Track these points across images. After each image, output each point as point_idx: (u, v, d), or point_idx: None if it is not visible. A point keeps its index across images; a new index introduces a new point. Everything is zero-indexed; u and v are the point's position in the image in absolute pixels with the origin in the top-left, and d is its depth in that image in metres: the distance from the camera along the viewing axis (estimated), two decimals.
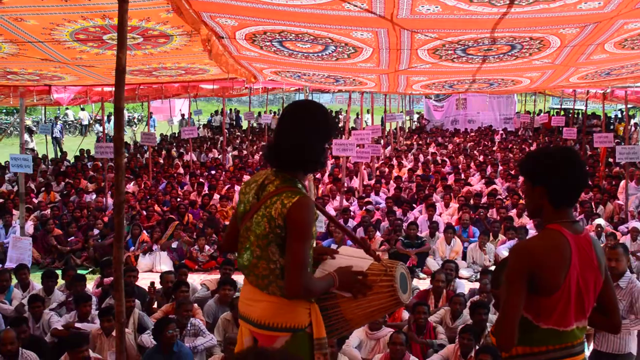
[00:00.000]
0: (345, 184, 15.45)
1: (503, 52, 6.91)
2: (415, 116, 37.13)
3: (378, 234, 12.19)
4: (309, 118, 3.31)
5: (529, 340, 3.04)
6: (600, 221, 12.03)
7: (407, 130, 33.16)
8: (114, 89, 4.34)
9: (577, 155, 3.09)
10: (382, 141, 23.55)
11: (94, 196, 15.59)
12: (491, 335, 3.22)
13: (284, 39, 6.09)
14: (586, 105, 25.25)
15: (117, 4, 4.13)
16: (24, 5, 5.26)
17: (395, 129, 28.18)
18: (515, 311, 2.94)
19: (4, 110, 37.39)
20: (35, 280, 9.41)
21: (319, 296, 3.41)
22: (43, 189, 16.40)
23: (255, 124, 33.11)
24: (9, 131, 31.73)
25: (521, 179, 16.62)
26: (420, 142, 27.09)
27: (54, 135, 27.76)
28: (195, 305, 8.16)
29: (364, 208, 13.91)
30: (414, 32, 5.65)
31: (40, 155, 23.33)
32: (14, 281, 9.17)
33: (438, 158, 21.34)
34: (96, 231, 12.76)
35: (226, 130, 25.75)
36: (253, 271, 3.36)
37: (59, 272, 9.58)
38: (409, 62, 7.52)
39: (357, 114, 31.44)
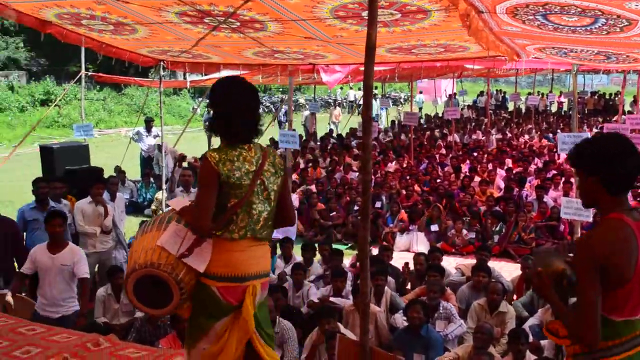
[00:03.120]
0: None
1: None
2: None
3: None
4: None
5: (604, 335, 2.96)
6: None
7: None
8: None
9: (630, 143, 3.01)
10: None
11: (357, 174, 15.90)
12: (546, 331, 3.28)
13: (548, 12, 5.57)
14: None
15: None
16: None
17: None
18: (595, 306, 2.90)
19: (281, 89, 39.92)
20: (297, 252, 9.80)
21: None
22: (310, 164, 17.10)
23: (521, 106, 31.74)
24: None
25: None
26: None
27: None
28: (448, 289, 7.95)
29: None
30: None
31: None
32: (278, 252, 9.62)
33: None
34: (357, 208, 12.97)
35: (490, 112, 24.97)
36: (268, 227, 3.80)
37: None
38: None
39: (634, 97, 28.55)
